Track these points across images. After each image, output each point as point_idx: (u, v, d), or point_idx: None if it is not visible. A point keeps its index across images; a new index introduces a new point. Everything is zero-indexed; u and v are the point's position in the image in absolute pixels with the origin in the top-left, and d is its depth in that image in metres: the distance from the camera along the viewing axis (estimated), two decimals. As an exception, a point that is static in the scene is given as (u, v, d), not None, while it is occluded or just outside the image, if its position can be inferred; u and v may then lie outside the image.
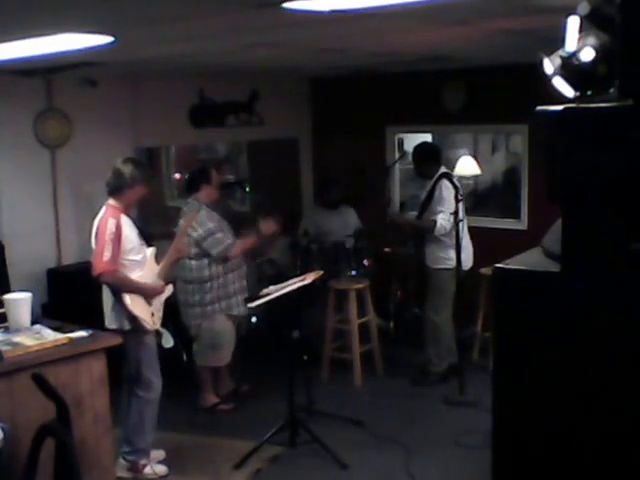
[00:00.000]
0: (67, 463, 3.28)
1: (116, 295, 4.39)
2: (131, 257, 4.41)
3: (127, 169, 4.43)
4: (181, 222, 5.32)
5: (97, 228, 4.36)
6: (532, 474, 2.50)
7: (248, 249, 5.65)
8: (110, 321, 4.45)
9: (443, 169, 5.96)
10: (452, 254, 5.71)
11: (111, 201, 4.43)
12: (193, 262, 5.39)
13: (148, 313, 4.44)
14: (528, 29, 3.91)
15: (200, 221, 5.27)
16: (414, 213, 6.22)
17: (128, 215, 4.47)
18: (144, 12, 2.95)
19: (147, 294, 4.45)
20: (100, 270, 4.27)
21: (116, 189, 4.43)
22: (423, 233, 5.96)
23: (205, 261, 5.40)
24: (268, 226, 5.59)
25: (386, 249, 6.67)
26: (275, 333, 6.09)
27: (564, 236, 2.30)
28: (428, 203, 5.84)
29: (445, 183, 5.68)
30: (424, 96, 7.10)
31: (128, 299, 4.34)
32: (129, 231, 4.41)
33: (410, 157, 6.55)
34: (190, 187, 5.60)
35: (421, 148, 6.23)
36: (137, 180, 4.45)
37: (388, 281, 6.92)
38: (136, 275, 4.43)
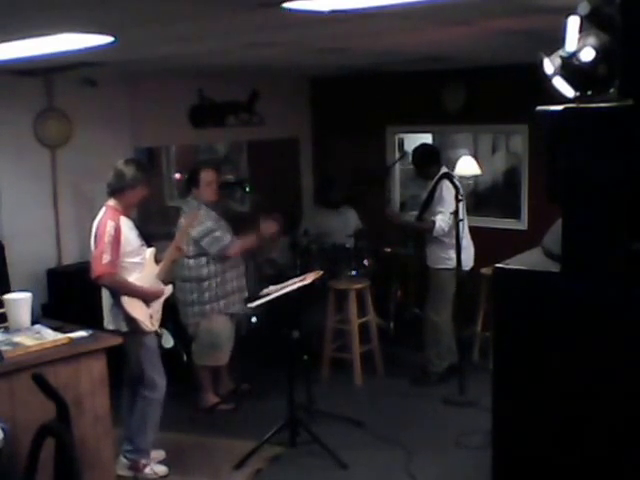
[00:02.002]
0: (67, 463, 3.28)
1: (114, 297, 4.38)
2: (130, 259, 4.40)
3: (129, 170, 4.42)
4: (181, 220, 5.31)
5: (96, 230, 4.35)
6: (532, 474, 2.50)
7: (248, 248, 5.65)
8: (108, 322, 4.45)
9: (444, 169, 5.97)
10: (453, 254, 5.71)
11: (111, 202, 4.42)
12: (191, 261, 5.38)
13: (147, 315, 4.43)
14: (528, 29, 3.91)
15: (199, 220, 5.26)
16: (414, 213, 6.22)
17: (128, 216, 4.46)
18: (144, 12, 2.95)
19: (146, 298, 4.44)
20: (99, 273, 4.25)
21: (117, 190, 4.41)
22: (423, 234, 5.97)
23: (203, 260, 5.39)
24: (268, 226, 5.58)
25: (386, 249, 6.67)
26: (275, 333, 6.08)
27: (564, 236, 2.30)
28: (429, 203, 5.85)
29: (446, 183, 5.68)
30: (424, 96, 7.10)
31: (126, 301, 4.33)
32: (129, 233, 4.40)
33: (410, 159, 6.55)
34: (188, 187, 5.61)
35: (421, 149, 6.24)
36: (138, 181, 4.44)
37: (388, 281, 6.92)
38: (135, 276, 4.41)
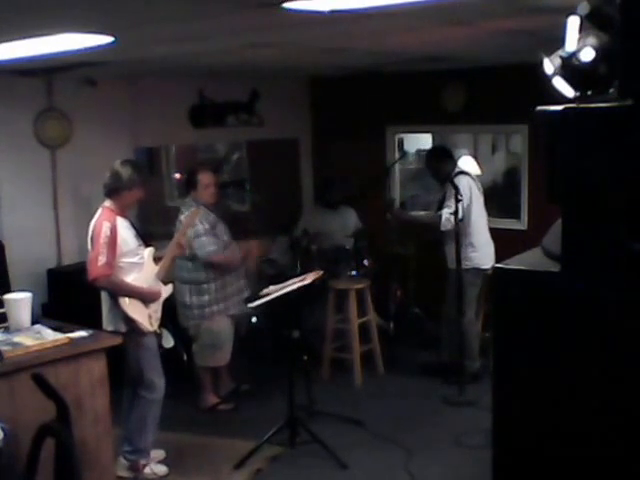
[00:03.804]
0: (67, 463, 3.28)
1: (112, 298, 4.38)
2: (128, 259, 4.39)
3: (125, 171, 4.41)
4: (182, 218, 5.30)
5: (92, 231, 4.34)
6: (532, 474, 2.50)
7: (230, 262, 5.54)
8: (107, 323, 4.44)
9: (458, 168, 6.05)
10: (470, 253, 5.79)
11: (107, 203, 4.41)
12: (189, 263, 5.38)
13: (145, 315, 4.42)
14: (528, 29, 3.92)
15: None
16: (423, 213, 6.25)
17: (125, 217, 4.45)
18: (144, 12, 2.95)
19: (144, 298, 4.43)
20: (94, 275, 4.24)
21: (113, 191, 4.40)
22: (433, 230, 5.97)
23: (200, 262, 5.38)
24: (253, 249, 5.67)
25: (386, 249, 6.67)
26: (275, 333, 6.09)
27: (564, 236, 2.29)
28: (443, 203, 5.89)
29: (459, 181, 5.71)
30: (424, 96, 7.10)
31: (124, 302, 4.33)
32: (125, 233, 4.38)
33: (424, 161, 6.58)
34: (186, 189, 5.61)
35: (435, 151, 6.33)
36: (135, 182, 4.42)
37: (388, 281, 6.92)
38: (134, 277, 4.40)
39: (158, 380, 4.53)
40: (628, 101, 2.13)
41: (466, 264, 5.75)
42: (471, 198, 5.85)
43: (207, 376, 5.66)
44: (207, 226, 5.37)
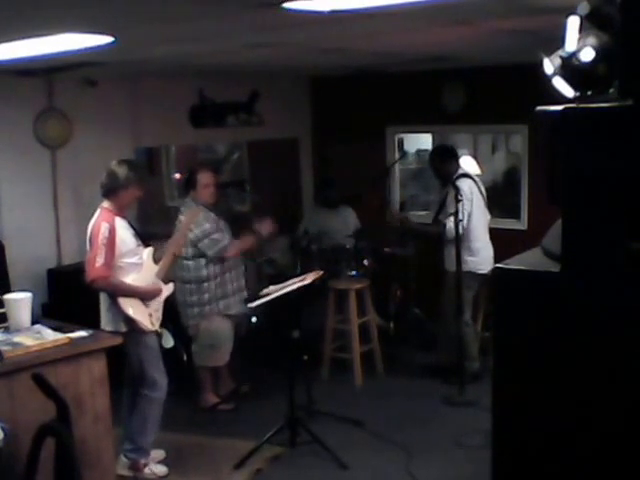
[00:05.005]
0: (67, 463, 3.28)
1: (112, 298, 4.37)
2: (127, 259, 4.38)
3: (121, 170, 4.40)
4: (181, 218, 5.30)
5: (90, 232, 4.33)
6: (532, 474, 2.50)
7: (246, 249, 5.65)
8: (106, 323, 4.44)
9: (461, 170, 6.03)
10: (467, 257, 5.77)
11: (105, 203, 4.40)
12: (190, 262, 5.38)
13: (146, 314, 4.42)
14: (528, 29, 3.92)
15: (197, 221, 5.25)
16: (422, 213, 6.22)
17: (123, 217, 4.44)
18: (144, 12, 2.95)
19: (143, 297, 4.43)
20: (92, 277, 4.23)
21: (110, 191, 4.39)
22: (439, 237, 5.96)
23: (202, 261, 5.39)
24: (264, 226, 5.60)
25: (386, 249, 6.67)
26: (275, 333, 6.09)
27: (564, 236, 2.29)
28: (444, 205, 5.86)
29: (461, 184, 5.69)
30: (424, 96, 7.11)
31: (124, 301, 4.32)
32: (124, 233, 4.38)
33: (427, 160, 6.56)
34: (186, 189, 5.61)
35: (439, 150, 6.32)
36: (131, 182, 4.41)
37: (388, 281, 6.92)
38: (133, 277, 4.40)
39: (160, 378, 4.53)
40: (628, 101, 2.13)
41: (464, 267, 5.75)
42: (472, 203, 5.83)
43: (207, 376, 5.66)
44: (213, 224, 5.39)
